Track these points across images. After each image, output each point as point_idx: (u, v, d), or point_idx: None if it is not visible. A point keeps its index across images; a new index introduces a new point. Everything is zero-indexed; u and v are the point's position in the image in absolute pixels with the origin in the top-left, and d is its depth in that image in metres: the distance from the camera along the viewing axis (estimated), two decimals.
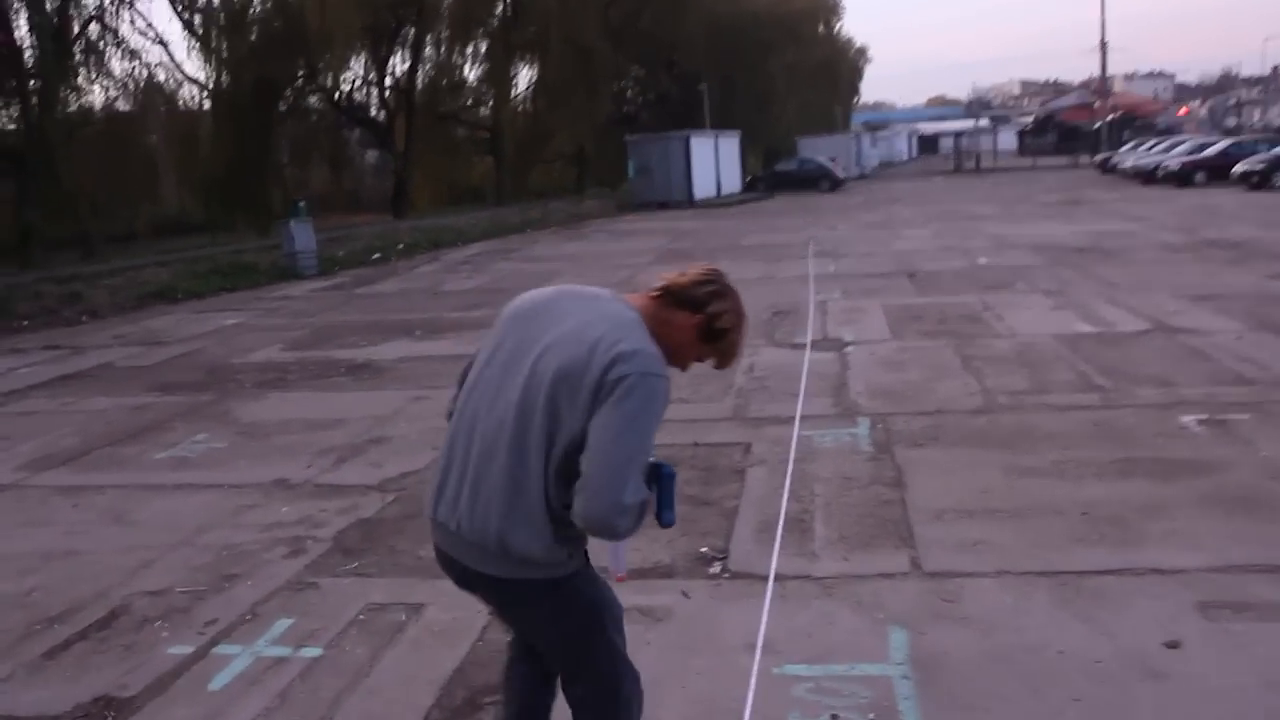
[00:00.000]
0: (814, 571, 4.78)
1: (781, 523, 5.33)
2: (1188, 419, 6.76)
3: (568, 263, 19.85)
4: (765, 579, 4.67)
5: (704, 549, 5.15)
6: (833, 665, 3.91)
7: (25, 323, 15.58)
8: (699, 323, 2.63)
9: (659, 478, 2.55)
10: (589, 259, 20.49)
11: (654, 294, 2.68)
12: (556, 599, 2.69)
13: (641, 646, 4.11)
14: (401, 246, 24.87)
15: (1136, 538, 4.91)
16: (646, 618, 4.39)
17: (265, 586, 5.05)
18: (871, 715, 3.56)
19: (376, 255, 23.33)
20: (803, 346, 10.01)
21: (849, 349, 9.84)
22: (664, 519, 2.58)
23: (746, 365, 9.31)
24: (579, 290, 2.73)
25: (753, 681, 3.76)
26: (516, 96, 47.94)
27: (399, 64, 41.51)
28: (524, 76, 47.75)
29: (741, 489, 6.02)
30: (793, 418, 7.36)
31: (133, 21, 44.68)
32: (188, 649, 4.44)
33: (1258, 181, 28.93)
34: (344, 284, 18.77)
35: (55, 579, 5.33)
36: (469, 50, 43.76)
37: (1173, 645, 3.88)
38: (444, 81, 42.26)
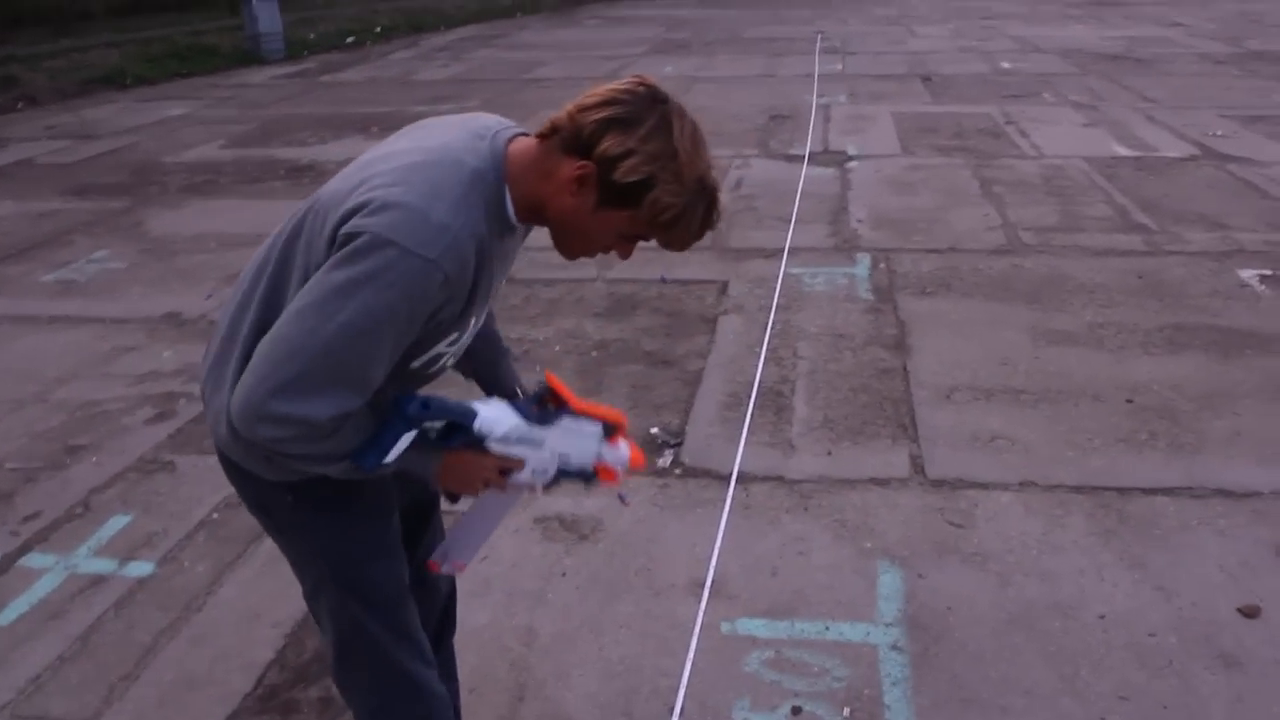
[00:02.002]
0: (788, 471, 3.79)
1: (754, 398, 4.33)
2: (1247, 274, 5.67)
3: (553, 51, 18.22)
4: (726, 480, 3.70)
5: (654, 429, 4.16)
6: (802, 623, 2.96)
7: None
8: (579, 175, 1.58)
9: (395, 415, 1.66)
10: (576, 48, 18.83)
11: (540, 133, 1.64)
12: (290, 516, 1.87)
13: (554, 579, 3.18)
14: (379, 30, 23.06)
15: (1195, 440, 3.91)
16: (568, 533, 3.43)
17: (111, 465, 4.08)
18: (847, 711, 2.63)
19: (350, 39, 21.58)
20: (800, 159, 8.80)
21: (852, 164, 8.63)
22: (364, 459, 1.64)
23: (733, 181, 8.14)
24: (457, 120, 1.72)
25: (692, 646, 2.83)
26: None
27: None
28: None
29: (710, 344, 4.99)
30: (780, 250, 6.27)
31: None
32: None
33: None
34: (308, 70, 17.22)
35: None
36: None
37: (1250, 613, 2.92)
38: None
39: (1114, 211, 6.96)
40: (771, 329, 5.08)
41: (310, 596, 1.96)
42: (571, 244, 1.70)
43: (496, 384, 2.10)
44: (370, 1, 33.11)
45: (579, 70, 15.19)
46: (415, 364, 1.71)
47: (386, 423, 1.65)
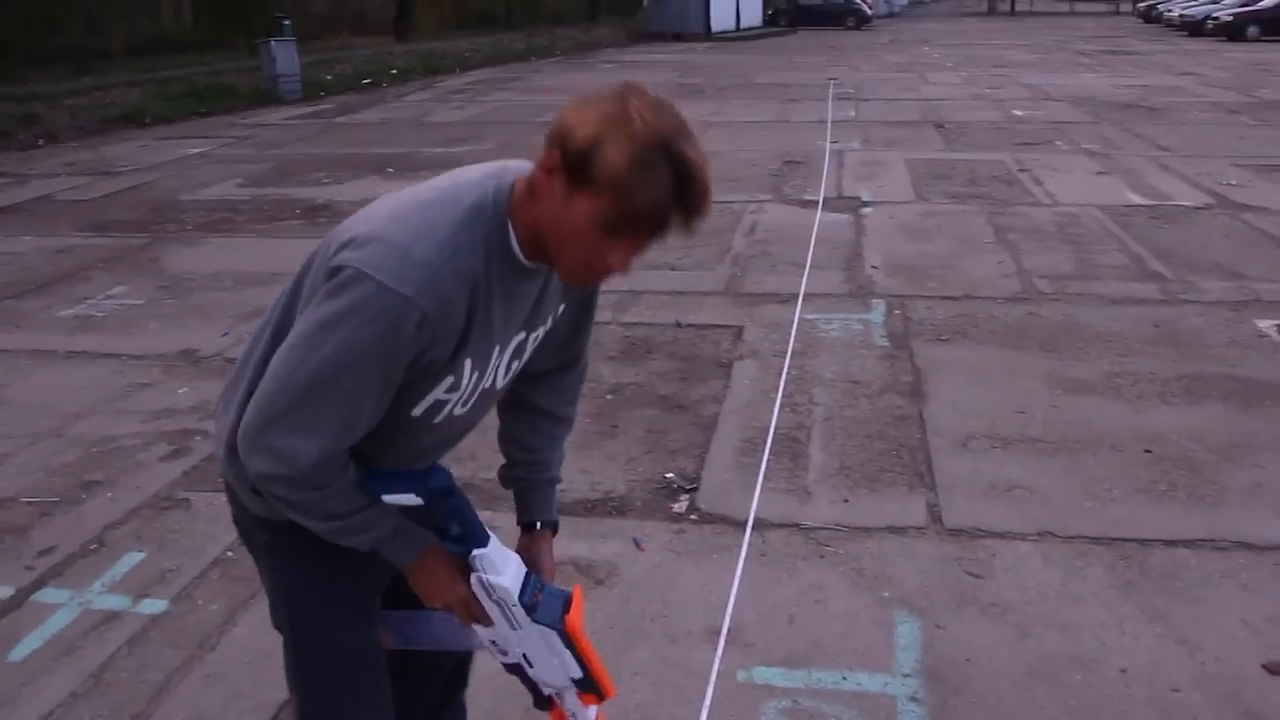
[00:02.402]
0: (805, 518, 3.77)
1: (769, 444, 4.32)
2: (1265, 324, 5.65)
3: (566, 95, 18.12)
4: (741, 527, 3.68)
5: (669, 474, 4.15)
6: (819, 672, 2.93)
7: None
8: (548, 165, 1.47)
9: (418, 474, 1.61)
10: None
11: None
12: (266, 552, 1.84)
13: None
14: (395, 72, 23.32)
15: (1215, 492, 3.88)
16: (583, 578, 3.41)
17: (126, 501, 4.07)
18: None
19: (367, 80, 21.83)
20: (814, 205, 8.84)
21: (866, 210, 8.67)
22: (368, 483, 1.62)
23: (748, 226, 8.17)
24: (489, 165, 1.66)
25: (709, 695, 2.80)
26: None
27: None
28: None
29: (726, 389, 4.99)
30: (795, 295, 6.27)
31: None
32: (6, 591, 3.48)
33: None
34: (325, 111, 17.40)
35: None
36: None
37: (1275, 669, 2.88)
38: None
39: (1129, 260, 6.97)
40: (787, 375, 5.07)
41: (279, 629, 1.90)
42: (563, 255, 1.52)
43: (524, 509, 1.97)
44: (387, 44, 33.50)
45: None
46: (416, 411, 1.62)
47: (407, 474, 1.62)
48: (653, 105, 1.45)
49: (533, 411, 1.94)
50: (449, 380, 1.59)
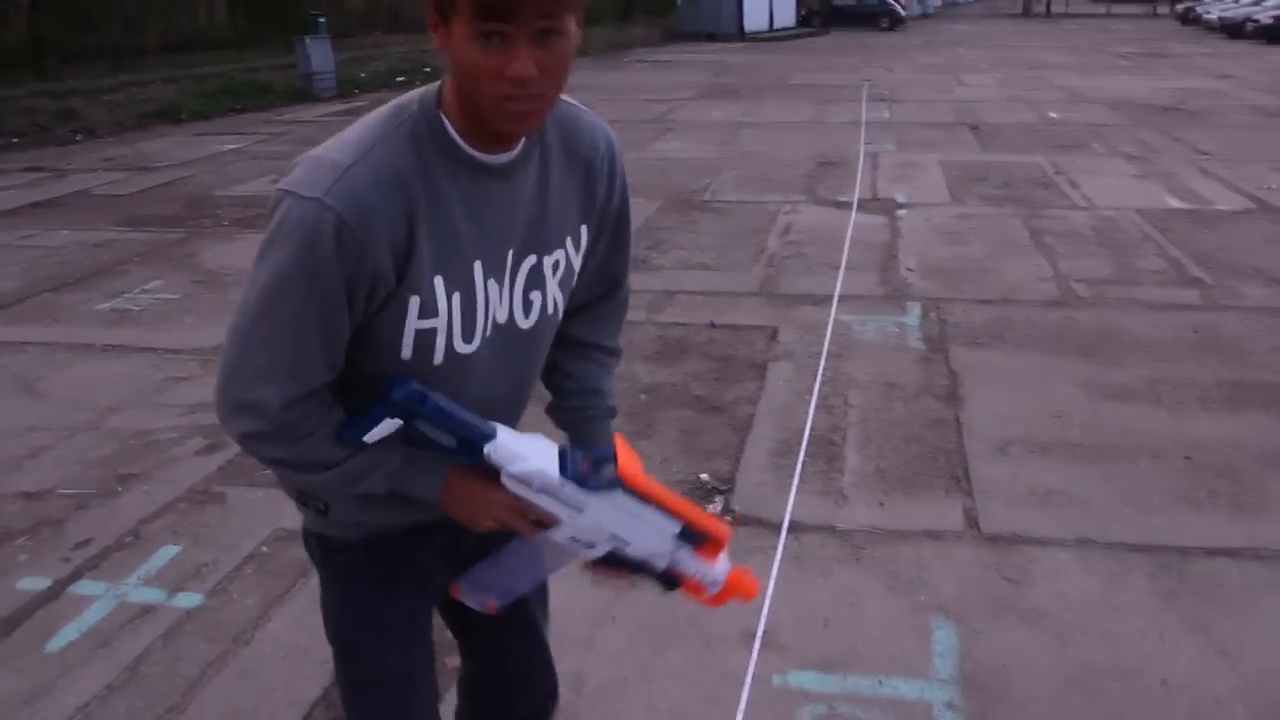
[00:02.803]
0: (840, 521, 3.74)
1: (805, 446, 4.29)
2: None
3: (601, 94, 18.36)
4: (776, 529, 3.66)
5: (704, 475, 4.13)
6: (855, 676, 2.90)
7: (15, 140, 14.49)
8: (432, 19, 1.35)
9: (382, 397, 1.44)
10: (623, 91, 18.99)
11: None
12: (318, 567, 1.76)
13: (604, 625, 3.14)
14: (429, 70, 23.40)
15: (1257, 501, 3.82)
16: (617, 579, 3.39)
17: (162, 495, 4.10)
18: None
19: (401, 78, 21.90)
20: (849, 206, 8.79)
21: (901, 212, 8.61)
22: (343, 431, 1.45)
23: (782, 227, 8.14)
24: None
25: (744, 699, 2.78)
26: None
27: None
28: None
29: (761, 390, 4.96)
30: (830, 297, 6.24)
31: None
32: (43, 582, 3.51)
33: None
34: (359, 109, 17.45)
35: None
36: None
37: None
38: None
39: (1168, 265, 6.88)
40: (822, 377, 5.04)
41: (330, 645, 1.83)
42: (480, 97, 1.34)
43: (587, 445, 1.76)
44: (421, 42, 33.60)
45: (626, 113, 15.30)
46: (405, 353, 1.46)
47: (374, 402, 1.45)
48: None
49: (573, 343, 1.77)
50: (415, 302, 1.43)
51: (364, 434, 1.44)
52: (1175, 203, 8.76)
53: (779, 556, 3.47)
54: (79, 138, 14.82)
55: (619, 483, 1.52)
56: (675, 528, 1.55)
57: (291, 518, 3.49)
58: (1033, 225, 8.06)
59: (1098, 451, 4.24)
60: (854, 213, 8.51)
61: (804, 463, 4.16)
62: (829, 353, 5.36)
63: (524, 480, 1.47)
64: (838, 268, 6.86)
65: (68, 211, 9.77)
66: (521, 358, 1.60)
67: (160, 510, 3.98)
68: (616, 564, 1.59)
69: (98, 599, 3.40)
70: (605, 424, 1.80)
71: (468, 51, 1.31)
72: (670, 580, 1.61)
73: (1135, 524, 3.67)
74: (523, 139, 1.48)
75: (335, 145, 1.40)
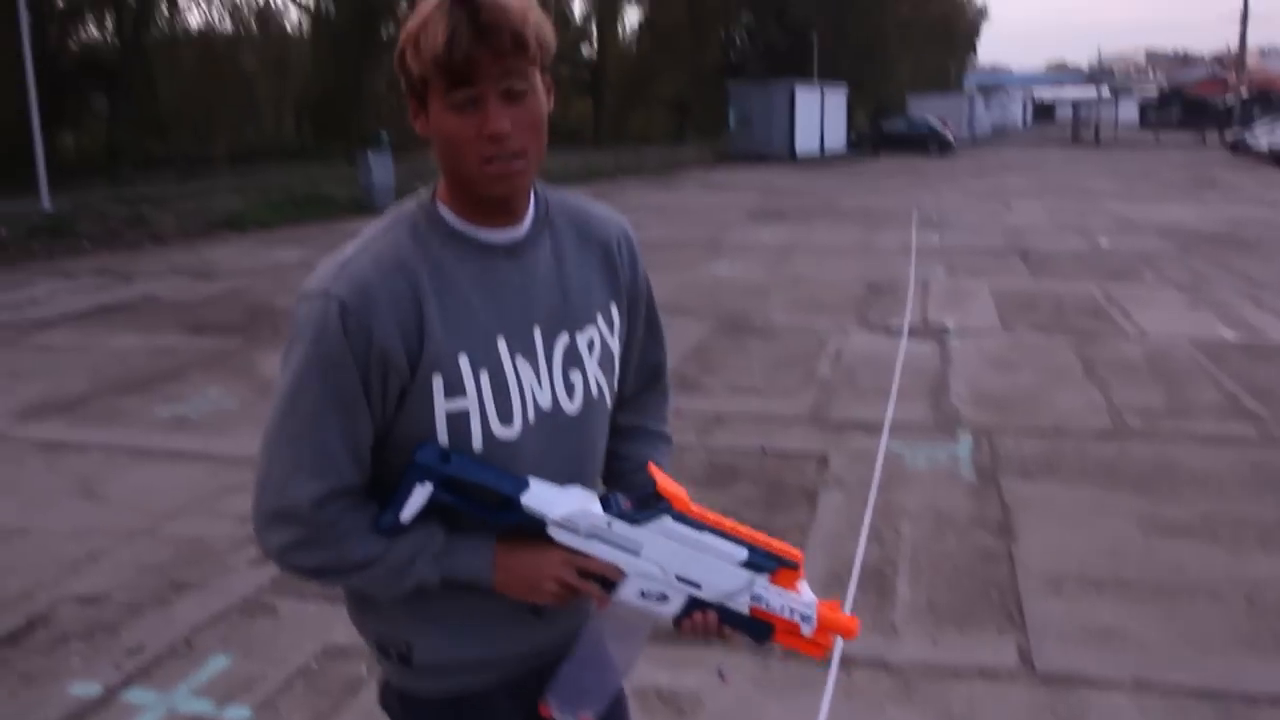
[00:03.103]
0: (892, 656, 3.70)
1: (856, 577, 4.26)
2: None
3: (654, 214, 18.71)
4: (828, 662, 3.61)
5: None
6: None
7: (87, 243, 15.00)
8: (412, 108, 1.44)
9: (418, 475, 1.41)
10: (676, 211, 19.33)
11: None
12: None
13: None
14: None
15: None
16: (665, 708, 3.37)
17: (214, 604, 4.13)
18: None
19: None
20: (899, 332, 8.84)
21: (951, 339, 8.64)
22: (380, 520, 1.43)
23: (833, 352, 8.19)
24: None
25: None
26: (622, 37, 46.80)
27: None
28: (631, 16, 46.54)
29: (811, 520, 4.95)
30: (880, 424, 6.24)
31: None
32: (94, 689, 3.54)
33: None
34: None
35: None
36: None
37: None
38: (548, 17, 41.01)
39: (1223, 398, 6.83)
40: (873, 506, 5.02)
41: None
42: (464, 163, 1.41)
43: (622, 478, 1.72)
44: None
45: (679, 233, 15.56)
46: (444, 438, 1.45)
47: (403, 477, 1.42)
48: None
49: (622, 429, 1.75)
50: (439, 382, 1.43)
51: (399, 513, 1.41)
52: (1229, 334, 8.72)
53: (830, 691, 3.43)
54: (147, 243, 15.30)
55: (667, 504, 1.43)
56: (741, 553, 1.43)
57: (342, 632, 3.54)
58: (1084, 354, 8.04)
59: (1154, 589, 4.17)
60: (904, 339, 8.55)
61: (855, 595, 4.13)
62: (880, 482, 5.35)
63: (570, 525, 1.42)
64: (888, 395, 6.88)
65: (133, 315, 10.06)
66: (573, 447, 1.56)
67: (212, 619, 4.01)
68: (701, 618, 1.47)
69: (148, 709, 3.42)
70: (652, 452, 1.76)
71: (445, 123, 1.38)
72: (761, 628, 1.47)
73: (1195, 668, 3.59)
74: (528, 218, 1.52)
75: (341, 248, 1.47)
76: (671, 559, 1.43)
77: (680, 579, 1.44)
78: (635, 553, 1.43)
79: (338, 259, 1.44)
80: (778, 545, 1.45)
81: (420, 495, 1.40)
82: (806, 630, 1.46)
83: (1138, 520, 4.87)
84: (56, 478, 5.62)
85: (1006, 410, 6.62)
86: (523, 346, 1.50)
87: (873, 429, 6.18)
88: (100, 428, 6.47)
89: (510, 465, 1.47)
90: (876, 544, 4.63)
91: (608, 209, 1.69)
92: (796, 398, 6.97)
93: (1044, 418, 6.45)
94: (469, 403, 1.45)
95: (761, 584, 1.44)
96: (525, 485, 1.42)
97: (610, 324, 1.62)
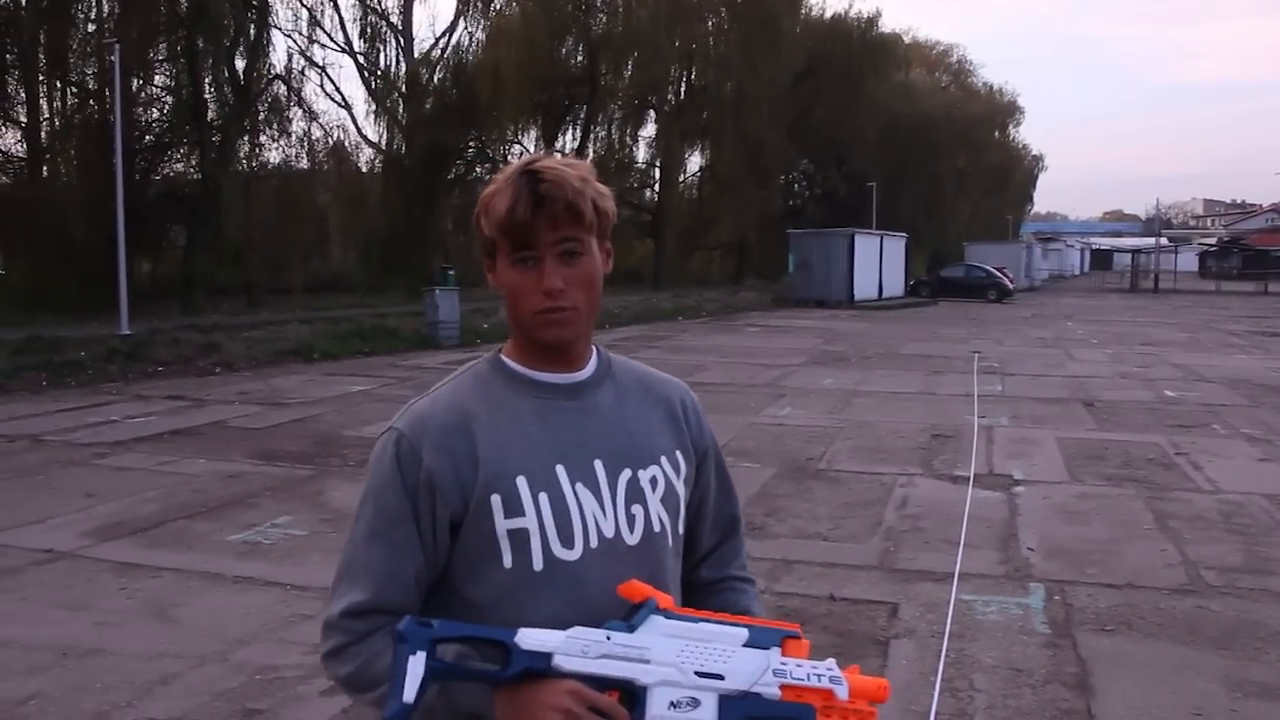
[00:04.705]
0: None
1: None
2: None
3: (713, 356, 18.88)
4: None
5: None
6: None
7: (160, 369, 15.43)
8: (486, 262, 1.65)
9: (403, 647, 1.38)
10: (737, 354, 19.49)
11: None
12: None
13: None
14: None
15: None
16: None
17: None
18: None
19: None
20: (964, 481, 8.77)
21: (1018, 489, 8.56)
22: (387, 710, 1.37)
23: (899, 500, 8.14)
24: None
25: None
26: (683, 181, 47.85)
27: (569, 141, 41.78)
28: (693, 161, 47.64)
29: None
30: (950, 574, 6.16)
31: (321, 84, 47.60)
32: None
33: None
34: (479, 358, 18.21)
35: (62, 686, 4.54)
36: (639, 132, 44.23)
37: None
38: (612, 162, 42.14)
39: None
40: (945, 658, 4.94)
41: None
42: (521, 312, 1.58)
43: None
44: None
45: (739, 376, 15.67)
46: (506, 561, 1.53)
47: (395, 655, 1.39)
48: (519, 160, 1.62)
49: (709, 584, 1.79)
50: (498, 501, 1.53)
51: (402, 696, 1.35)
52: None
53: None
54: (218, 370, 15.70)
55: (653, 602, 1.44)
56: (741, 634, 1.44)
57: None
58: (1155, 507, 7.92)
59: None
60: (970, 488, 8.48)
61: None
62: (951, 632, 5.27)
63: (573, 651, 1.40)
64: (956, 544, 6.80)
65: (204, 440, 10.26)
66: (625, 568, 1.57)
67: None
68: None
69: None
70: (734, 597, 1.78)
71: (509, 276, 1.57)
72: (803, 712, 1.42)
73: None
74: (590, 365, 1.67)
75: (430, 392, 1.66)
76: (683, 656, 1.42)
77: (701, 674, 1.41)
78: (645, 660, 1.41)
79: (410, 404, 1.63)
80: (771, 621, 1.51)
81: (416, 667, 1.37)
82: (842, 694, 1.43)
83: (1221, 680, 4.74)
84: (130, 599, 5.70)
85: (1078, 562, 6.52)
86: (583, 476, 1.59)
87: (942, 578, 6.11)
88: (172, 551, 6.57)
89: (572, 584, 1.53)
90: (950, 696, 4.55)
91: (668, 374, 1.82)
92: (864, 544, 6.92)
93: (1117, 571, 6.34)
94: (529, 522, 1.54)
95: (777, 658, 1.43)
96: (514, 633, 1.42)
97: (676, 468, 1.69)
